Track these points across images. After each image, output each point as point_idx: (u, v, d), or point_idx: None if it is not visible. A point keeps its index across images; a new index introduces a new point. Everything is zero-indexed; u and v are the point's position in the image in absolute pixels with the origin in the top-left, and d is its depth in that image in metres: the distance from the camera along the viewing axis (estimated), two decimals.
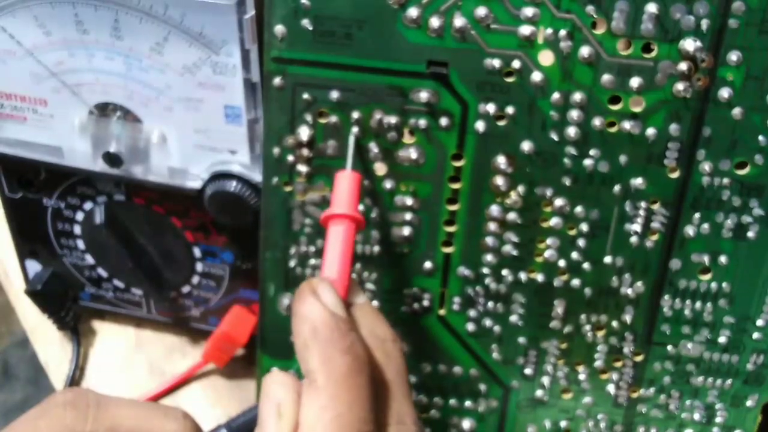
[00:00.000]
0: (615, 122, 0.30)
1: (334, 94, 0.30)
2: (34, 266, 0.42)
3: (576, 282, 0.32)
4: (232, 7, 0.30)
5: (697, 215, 0.31)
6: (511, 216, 0.32)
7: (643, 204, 0.31)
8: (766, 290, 0.32)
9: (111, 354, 0.44)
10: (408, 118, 0.31)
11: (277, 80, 0.31)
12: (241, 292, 0.40)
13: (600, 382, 0.35)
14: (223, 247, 0.39)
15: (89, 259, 0.41)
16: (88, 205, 0.39)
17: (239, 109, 0.33)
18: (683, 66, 0.28)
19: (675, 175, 0.30)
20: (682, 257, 0.32)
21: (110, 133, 0.35)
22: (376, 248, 0.33)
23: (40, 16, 0.33)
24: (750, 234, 0.31)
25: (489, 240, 0.32)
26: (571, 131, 0.30)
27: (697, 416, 0.35)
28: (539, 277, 0.33)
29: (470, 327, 0.34)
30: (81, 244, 0.41)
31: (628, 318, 0.33)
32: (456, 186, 0.32)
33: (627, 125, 0.29)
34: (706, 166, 0.30)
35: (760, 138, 0.29)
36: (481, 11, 0.28)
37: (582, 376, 0.34)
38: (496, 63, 0.29)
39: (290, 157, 0.32)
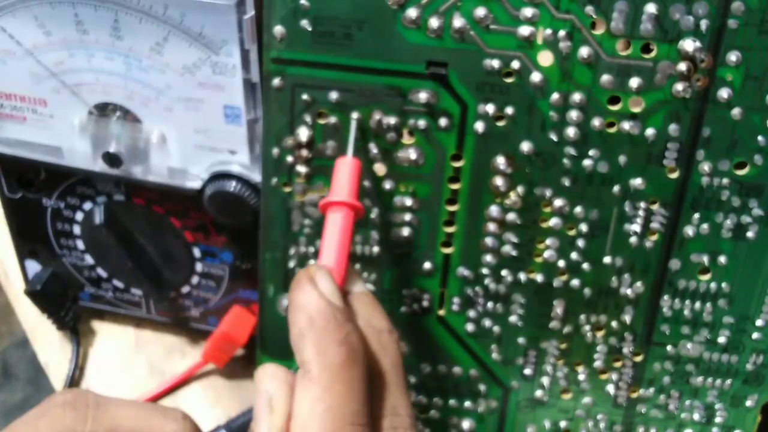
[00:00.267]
0: (614, 122, 0.30)
1: (334, 95, 0.30)
2: (33, 266, 0.42)
3: (575, 282, 0.32)
4: (232, 8, 0.30)
5: (696, 215, 0.31)
6: (511, 216, 0.32)
7: (642, 204, 0.31)
8: (766, 290, 0.32)
9: (111, 354, 0.44)
10: (407, 119, 0.31)
11: (276, 81, 0.31)
12: (241, 293, 0.40)
13: (599, 383, 0.35)
14: (222, 247, 0.39)
15: (89, 259, 0.41)
16: (87, 205, 0.39)
17: (239, 109, 0.33)
18: (682, 66, 0.28)
19: (674, 175, 0.30)
20: (681, 257, 0.32)
21: (110, 133, 0.35)
22: (376, 249, 0.33)
23: (40, 16, 0.33)
24: (749, 234, 0.31)
25: (488, 240, 0.32)
26: (571, 132, 0.30)
27: (696, 416, 0.35)
28: (539, 278, 0.33)
29: (470, 327, 0.34)
30: (81, 244, 0.41)
31: (627, 318, 0.33)
32: (455, 186, 0.32)
33: (626, 125, 0.29)
34: (706, 167, 0.30)
35: (760, 138, 0.29)
36: (481, 12, 0.28)
37: (581, 377, 0.34)
38: (496, 63, 0.29)
39: (289, 158, 0.32)
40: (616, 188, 0.31)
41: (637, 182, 0.30)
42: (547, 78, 0.29)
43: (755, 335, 0.33)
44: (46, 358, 0.44)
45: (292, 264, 0.34)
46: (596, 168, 0.30)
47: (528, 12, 0.28)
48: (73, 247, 0.41)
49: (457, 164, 0.31)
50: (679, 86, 0.28)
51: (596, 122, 0.30)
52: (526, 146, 0.30)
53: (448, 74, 0.30)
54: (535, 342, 0.34)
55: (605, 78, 0.29)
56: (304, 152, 0.32)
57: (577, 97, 0.29)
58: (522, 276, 0.33)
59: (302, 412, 0.24)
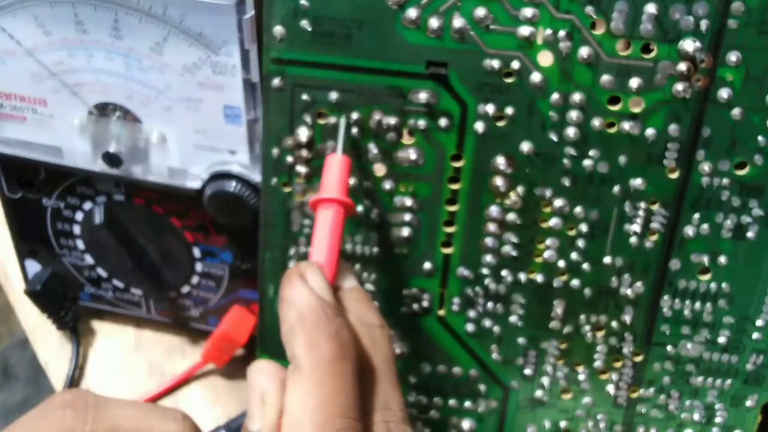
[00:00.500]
0: (614, 123, 0.29)
1: (333, 95, 0.30)
2: (33, 266, 0.42)
3: (575, 282, 0.32)
4: (232, 8, 0.30)
5: (696, 215, 0.31)
6: (511, 216, 0.32)
7: (642, 204, 0.31)
8: (766, 290, 0.32)
9: (111, 354, 0.44)
10: (407, 119, 0.31)
11: (276, 81, 0.31)
12: (241, 293, 0.40)
13: (600, 383, 0.35)
14: (222, 247, 0.39)
15: (89, 259, 0.41)
16: (87, 205, 0.39)
17: (239, 109, 0.33)
18: (683, 66, 0.28)
19: (674, 175, 0.30)
20: (681, 257, 0.32)
21: (110, 133, 0.35)
22: (376, 249, 0.33)
23: (40, 16, 0.33)
24: (749, 234, 0.31)
25: (488, 240, 0.32)
26: (571, 132, 0.30)
27: (696, 416, 0.35)
28: (539, 278, 0.33)
29: (470, 327, 0.34)
30: (80, 244, 0.41)
31: (627, 318, 0.33)
32: (455, 186, 0.32)
33: (626, 126, 0.29)
34: (706, 167, 0.30)
35: (760, 138, 0.29)
36: (481, 12, 0.28)
37: (582, 377, 0.34)
38: (496, 64, 0.29)
39: (289, 158, 0.32)
40: (616, 188, 0.31)
41: (637, 182, 0.30)
42: (547, 78, 0.29)
43: (755, 335, 0.33)
44: (46, 358, 0.44)
45: (291, 264, 0.34)
46: (596, 168, 0.30)
47: (528, 12, 0.28)
48: (73, 247, 0.41)
49: (457, 164, 0.31)
50: (679, 86, 0.28)
51: (596, 122, 0.30)
52: (526, 146, 0.30)
53: (448, 74, 0.30)
54: (535, 342, 0.34)
55: (605, 78, 0.29)
56: (304, 152, 0.32)
57: (577, 97, 0.29)
58: (522, 276, 0.33)
59: (294, 407, 0.24)
